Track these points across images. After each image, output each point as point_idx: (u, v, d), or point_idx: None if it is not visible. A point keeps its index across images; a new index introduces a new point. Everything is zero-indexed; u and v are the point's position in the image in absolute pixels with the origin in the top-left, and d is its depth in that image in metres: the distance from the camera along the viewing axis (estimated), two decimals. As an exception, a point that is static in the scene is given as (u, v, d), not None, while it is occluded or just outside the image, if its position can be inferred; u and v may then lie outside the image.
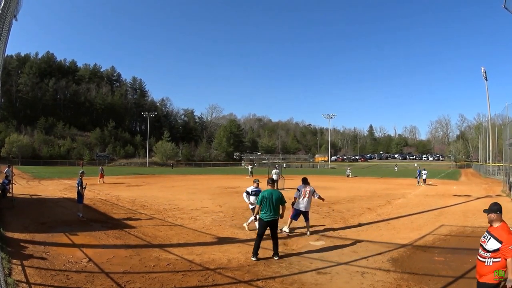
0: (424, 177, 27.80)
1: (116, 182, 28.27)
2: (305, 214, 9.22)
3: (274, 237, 6.84)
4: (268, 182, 7.30)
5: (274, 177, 22.37)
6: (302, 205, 9.20)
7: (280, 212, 7.03)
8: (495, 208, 3.83)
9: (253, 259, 6.59)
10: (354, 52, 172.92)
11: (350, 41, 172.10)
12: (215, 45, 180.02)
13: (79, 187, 11.24)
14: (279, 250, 6.96)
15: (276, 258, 6.65)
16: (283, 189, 21.95)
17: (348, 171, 41.86)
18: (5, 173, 16.90)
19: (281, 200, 6.94)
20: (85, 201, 14.91)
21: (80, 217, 10.79)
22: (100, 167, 30.09)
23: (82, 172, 11.95)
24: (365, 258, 6.83)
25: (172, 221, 10.80)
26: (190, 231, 9.26)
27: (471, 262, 6.45)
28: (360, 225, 10.39)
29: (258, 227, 7.05)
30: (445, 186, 26.40)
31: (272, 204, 6.81)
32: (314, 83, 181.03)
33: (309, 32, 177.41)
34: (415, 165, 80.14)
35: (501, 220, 3.78)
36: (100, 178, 27.14)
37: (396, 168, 66.83)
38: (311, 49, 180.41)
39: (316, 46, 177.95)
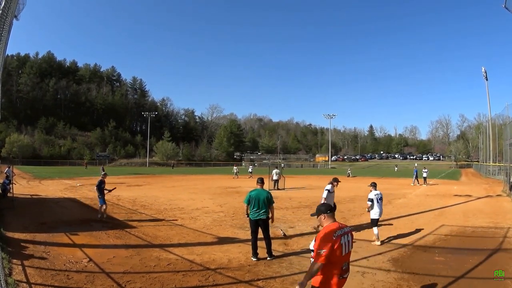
0: (424, 175, 27.53)
1: (117, 182, 28.25)
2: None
3: (266, 237, 6.82)
4: (257, 182, 7.22)
5: (275, 177, 22.36)
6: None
7: (270, 213, 6.91)
8: (323, 209, 3.45)
9: (254, 259, 6.59)
10: (354, 52, 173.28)
11: (350, 41, 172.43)
12: (215, 45, 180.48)
13: (97, 188, 10.89)
14: (280, 250, 6.96)
15: (269, 259, 6.64)
16: (284, 189, 21.96)
17: (349, 170, 42.45)
18: (6, 173, 16.93)
19: (269, 200, 6.86)
20: (85, 201, 15.01)
21: (99, 217, 10.59)
22: (101, 167, 30.16)
23: (105, 174, 11.60)
24: (365, 258, 6.83)
25: (173, 221, 10.81)
26: (190, 231, 9.26)
27: (471, 262, 6.46)
28: (360, 225, 10.39)
29: (250, 226, 7.02)
30: (445, 186, 26.38)
31: (259, 203, 6.77)
32: (315, 83, 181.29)
33: (310, 32, 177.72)
34: (415, 165, 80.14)
35: (332, 221, 3.38)
36: None
37: (396, 168, 66.73)
38: (312, 49, 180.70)
39: (316, 46, 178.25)
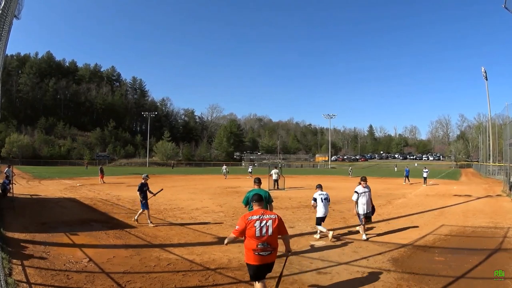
0: (424, 175, 27.41)
1: (117, 182, 28.26)
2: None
3: None
4: (254, 182, 7.06)
5: (274, 177, 22.35)
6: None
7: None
8: (254, 198, 4.60)
9: None
10: (354, 52, 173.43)
11: (350, 41, 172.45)
12: (215, 45, 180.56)
13: (140, 192, 10.28)
14: (279, 250, 6.93)
15: None
16: (284, 189, 21.96)
17: (350, 170, 43.80)
18: (5, 173, 16.91)
19: (267, 200, 6.67)
20: (85, 201, 14.99)
21: (151, 225, 9.88)
22: (100, 167, 30.23)
23: (147, 176, 11.02)
24: (365, 258, 6.82)
25: (173, 221, 10.81)
26: (190, 231, 9.26)
27: (471, 262, 6.46)
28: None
29: None
30: (445, 186, 26.37)
31: None
32: (315, 83, 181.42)
33: (310, 32, 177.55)
34: (415, 165, 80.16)
35: (258, 208, 4.39)
36: (100, 178, 27.32)
37: (395, 168, 66.66)
38: (312, 49, 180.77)
39: (316, 46, 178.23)
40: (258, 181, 7.06)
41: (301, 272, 5.96)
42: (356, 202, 8.61)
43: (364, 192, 8.65)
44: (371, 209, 8.81)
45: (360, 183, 8.81)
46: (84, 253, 6.85)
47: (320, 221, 8.52)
